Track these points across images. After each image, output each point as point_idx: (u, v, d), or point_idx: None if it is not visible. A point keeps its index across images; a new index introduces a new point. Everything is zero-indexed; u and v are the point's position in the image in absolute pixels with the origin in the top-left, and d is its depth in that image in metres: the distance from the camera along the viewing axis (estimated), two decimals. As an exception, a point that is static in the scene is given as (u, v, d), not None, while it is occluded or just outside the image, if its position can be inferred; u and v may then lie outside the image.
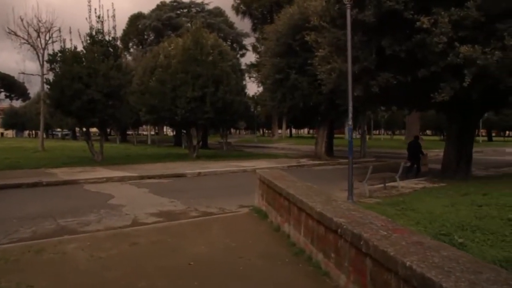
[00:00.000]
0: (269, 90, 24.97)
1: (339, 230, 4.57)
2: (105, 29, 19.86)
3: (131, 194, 12.44)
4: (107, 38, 19.93)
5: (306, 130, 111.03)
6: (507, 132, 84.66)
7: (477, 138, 52.29)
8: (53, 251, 6.06)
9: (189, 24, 44.68)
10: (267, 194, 8.71)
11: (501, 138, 79.43)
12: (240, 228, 7.87)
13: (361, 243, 3.99)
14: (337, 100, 18.28)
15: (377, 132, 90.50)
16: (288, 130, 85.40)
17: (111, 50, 20.10)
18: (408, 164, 16.83)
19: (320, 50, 15.27)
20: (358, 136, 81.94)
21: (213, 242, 6.72)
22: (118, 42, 21.11)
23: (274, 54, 23.81)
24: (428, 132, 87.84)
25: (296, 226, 6.43)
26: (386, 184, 13.30)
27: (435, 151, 38.63)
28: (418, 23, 10.62)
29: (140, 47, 60.30)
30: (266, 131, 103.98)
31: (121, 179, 15.58)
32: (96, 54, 19.14)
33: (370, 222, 4.50)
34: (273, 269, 5.44)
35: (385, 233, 4.06)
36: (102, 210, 9.79)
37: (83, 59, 19.03)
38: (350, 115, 9.61)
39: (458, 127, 15.03)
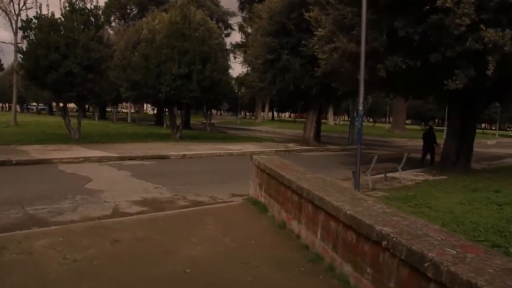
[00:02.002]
0: (259, 71, 23.78)
1: (384, 243, 3.59)
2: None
3: (111, 178, 11.27)
4: (88, 6, 18.42)
5: (287, 114, 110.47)
6: (484, 125, 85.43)
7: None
8: (17, 249, 4.95)
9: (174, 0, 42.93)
10: (267, 184, 7.70)
11: (480, 131, 79.99)
12: (238, 222, 6.86)
13: (426, 265, 3.02)
14: (333, 83, 17.27)
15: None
16: (270, 114, 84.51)
17: (93, 19, 18.56)
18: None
19: (319, 29, 14.21)
20: (341, 123, 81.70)
21: (210, 241, 5.69)
22: (100, 12, 19.49)
23: (266, 33, 22.62)
24: (408, 121, 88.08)
25: (310, 226, 5.45)
26: (386, 175, 12.46)
27: (421, 140, 38.36)
28: (438, 2, 9.62)
29: (123, 21, 58.00)
30: (248, 114, 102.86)
31: (100, 160, 14.37)
32: (75, 23, 17.61)
33: (425, 234, 3.53)
34: (289, 281, 4.46)
35: (454, 251, 3.10)
36: (78, 196, 8.61)
37: (61, 27, 17.46)
38: (362, 99, 8.62)
39: (460, 118, 14.24)
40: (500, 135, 58.80)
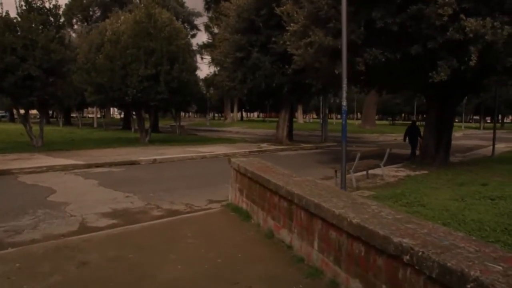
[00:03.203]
0: (228, 70, 23.10)
1: (405, 257, 3.03)
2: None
3: (77, 188, 10.40)
4: (47, 5, 17.34)
5: (256, 114, 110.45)
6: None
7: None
8: (-37, 282, 4.20)
9: (138, 1, 41.61)
10: (249, 189, 7.10)
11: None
12: (220, 233, 6.22)
13: (469, 286, 2.47)
14: (307, 80, 16.77)
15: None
16: (239, 114, 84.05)
17: (52, 19, 17.52)
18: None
19: (292, 24, 13.67)
20: (311, 121, 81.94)
21: (192, 258, 5.04)
22: (61, 11, 18.37)
23: (234, 30, 21.98)
24: (376, 117, 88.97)
25: (305, 236, 4.87)
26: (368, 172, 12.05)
27: (392, 135, 38.52)
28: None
29: (85, 24, 56.16)
30: (217, 115, 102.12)
31: (65, 168, 13.44)
32: (33, 23, 16.55)
33: (454, 245, 2.99)
34: (288, 303, 3.87)
35: (499, 267, 2.56)
36: (39, 211, 7.77)
37: (18, 28, 16.36)
38: (345, 94, 8.11)
39: (438, 111, 13.97)
40: (465, 127, 59.92)
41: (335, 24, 10.93)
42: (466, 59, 9.46)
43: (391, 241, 3.19)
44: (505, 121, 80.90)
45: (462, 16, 9.15)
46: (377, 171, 12.33)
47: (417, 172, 12.88)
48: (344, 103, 8.18)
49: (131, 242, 5.66)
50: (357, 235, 3.69)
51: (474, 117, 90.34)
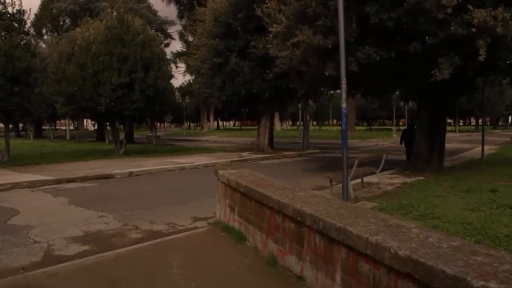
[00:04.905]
0: (206, 76, 22.12)
1: (496, 311, 2.14)
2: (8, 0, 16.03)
3: (44, 207, 9.23)
4: (10, 10, 16.10)
5: (232, 122, 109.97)
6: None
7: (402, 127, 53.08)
8: None
9: (109, 9, 40.29)
10: (242, 206, 6.15)
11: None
12: (211, 260, 5.25)
13: None
14: (290, 84, 15.92)
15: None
16: (216, 123, 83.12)
17: (16, 25, 16.28)
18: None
19: (274, 25, 12.81)
20: (288, 128, 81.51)
21: (182, 297, 4.08)
22: (26, 17, 17.04)
23: (211, 35, 21.07)
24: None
25: (321, 266, 3.94)
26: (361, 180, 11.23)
27: (372, 140, 38.15)
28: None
29: (55, 33, 54.41)
30: (193, 124, 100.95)
31: (32, 185, 12.25)
32: (-6, 30, 15.35)
33: None
34: None
35: None
36: (-3, 238, 6.69)
37: (-24, 34, 15.16)
38: (344, 95, 7.28)
39: (429, 113, 13.28)
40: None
41: (324, 21, 10.14)
42: (470, 55, 8.75)
43: (469, 285, 2.29)
44: (479, 123, 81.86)
45: (469, 6, 8.42)
46: (371, 178, 11.57)
47: (413, 179, 12.14)
48: (344, 105, 7.34)
49: (105, 276, 4.67)
50: (405, 271, 2.78)
51: (448, 120, 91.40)
